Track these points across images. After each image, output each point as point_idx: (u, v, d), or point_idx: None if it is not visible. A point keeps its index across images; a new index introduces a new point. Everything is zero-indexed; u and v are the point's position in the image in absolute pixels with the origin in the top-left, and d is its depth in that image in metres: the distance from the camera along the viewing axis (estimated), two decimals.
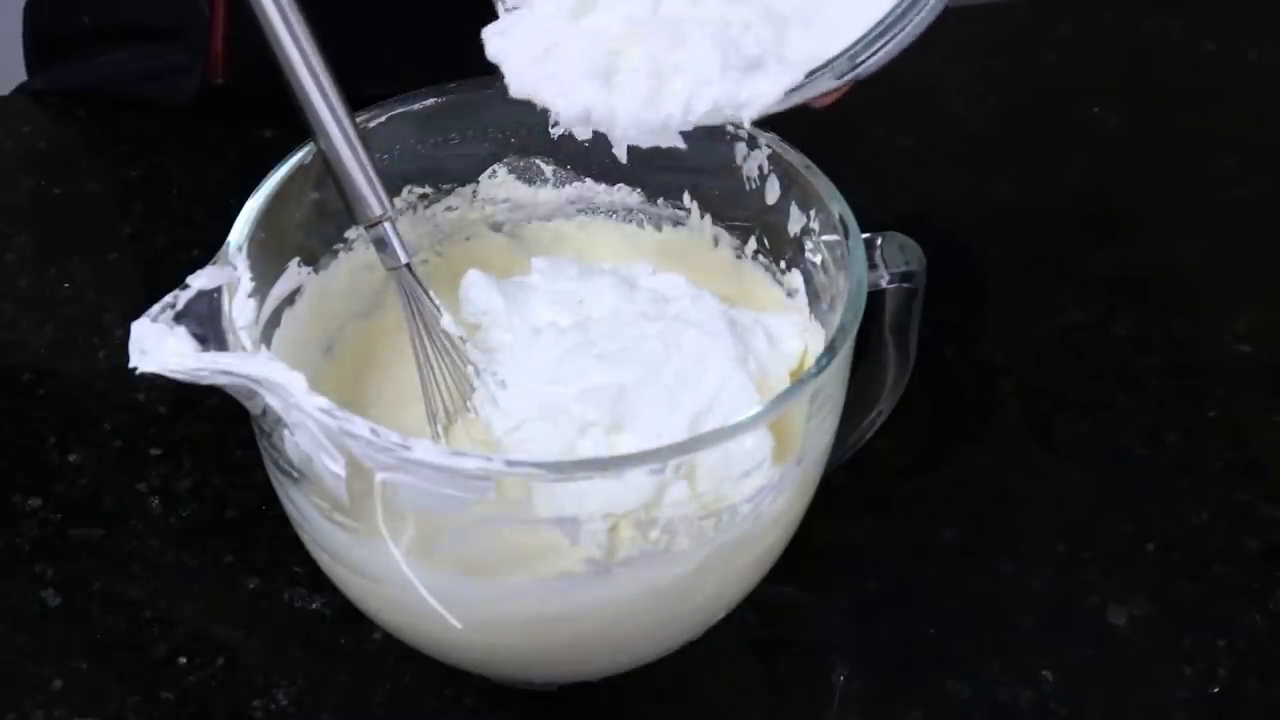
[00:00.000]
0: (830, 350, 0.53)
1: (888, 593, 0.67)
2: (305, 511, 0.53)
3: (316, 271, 0.61)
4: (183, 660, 0.62)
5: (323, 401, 0.48)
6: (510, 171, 0.66)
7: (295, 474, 0.52)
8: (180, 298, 0.50)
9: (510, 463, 0.48)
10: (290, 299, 0.59)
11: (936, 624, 0.66)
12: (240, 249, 0.53)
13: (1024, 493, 0.72)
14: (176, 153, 0.87)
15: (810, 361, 0.61)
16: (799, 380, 0.52)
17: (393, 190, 0.60)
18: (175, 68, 0.87)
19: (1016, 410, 0.76)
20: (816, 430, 0.55)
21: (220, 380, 0.49)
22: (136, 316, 0.77)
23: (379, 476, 0.48)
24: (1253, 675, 0.64)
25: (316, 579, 0.57)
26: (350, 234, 0.62)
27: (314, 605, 0.64)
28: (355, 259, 0.63)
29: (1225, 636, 0.65)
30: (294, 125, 0.56)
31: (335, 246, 0.62)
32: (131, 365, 0.49)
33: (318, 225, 0.60)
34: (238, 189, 0.56)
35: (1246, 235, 0.87)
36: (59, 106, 0.91)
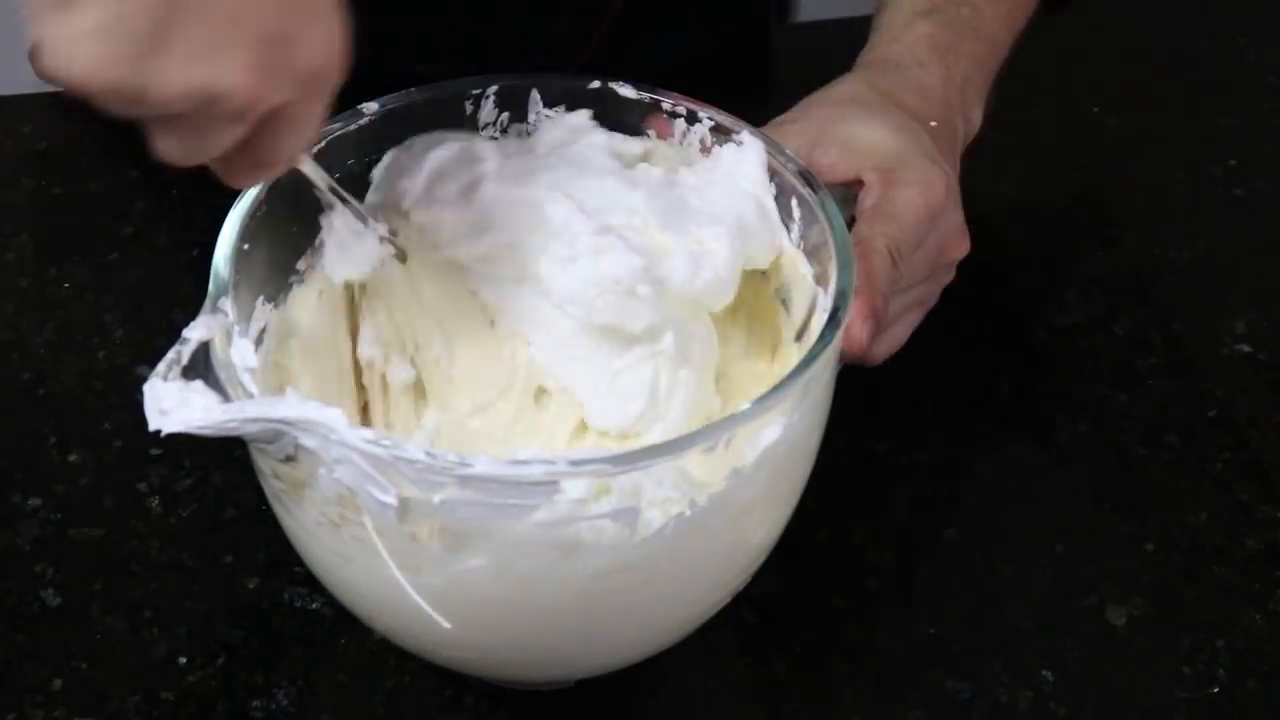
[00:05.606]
0: (834, 319, 0.53)
1: (888, 593, 0.67)
2: (343, 552, 0.52)
3: (276, 307, 0.59)
4: (183, 660, 0.62)
5: (368, 433, 0.47)
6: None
7: (336, 519, 0.51)
8: (183, 352, 0.49)
9: (574, 462, 0.47)
10: (260, 338, 0.58)
11: (936, 624, 0.66)
12: (226, 293, 0.53)
13: (1024, 493, 0.72)
14: None
15: None
16: (810, 352, 0.52)
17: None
18: None
19: (1016, 410, 0.76)
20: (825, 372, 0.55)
21: (249, 430, 0.48)
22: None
23: (437, 498, 0.48)
24: (1252, 675, 0.64)
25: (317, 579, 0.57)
26: (300, 264, 0.61)
27: (314, 605, 0.64)
28: (307, 289, 0.61)
29: (1224, 637, 0.65)
30: None
31: (289, 279, 0.60)
32: (153, 429, 0.47)
33: (275, 260, 0.59)
34: (237, 189, 0.56)
35: (1246, 235, 0.87)
36: (59, 107, 0.90)
